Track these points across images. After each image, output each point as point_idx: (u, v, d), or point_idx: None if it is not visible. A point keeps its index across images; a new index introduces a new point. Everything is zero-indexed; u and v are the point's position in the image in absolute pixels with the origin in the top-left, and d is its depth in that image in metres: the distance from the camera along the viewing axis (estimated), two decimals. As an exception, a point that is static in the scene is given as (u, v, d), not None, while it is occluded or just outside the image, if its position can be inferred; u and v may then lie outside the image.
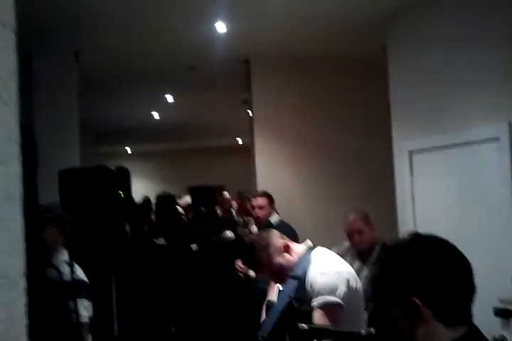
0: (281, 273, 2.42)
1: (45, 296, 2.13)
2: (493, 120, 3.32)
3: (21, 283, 0.67)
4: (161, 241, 4.64)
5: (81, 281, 2.72)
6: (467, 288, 1.17)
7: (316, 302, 2.23)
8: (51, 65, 5.03)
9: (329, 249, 2.52)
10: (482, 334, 1.17)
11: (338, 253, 3.80)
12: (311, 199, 5.67)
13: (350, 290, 2.27)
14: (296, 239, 4.23)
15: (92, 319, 2.72)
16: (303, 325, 1.77)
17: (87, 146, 7.47)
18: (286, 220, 4.32)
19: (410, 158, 4.12)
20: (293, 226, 4.27)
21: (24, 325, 0.67)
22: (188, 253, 3.86)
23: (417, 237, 1.24)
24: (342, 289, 2.24)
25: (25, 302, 0.68)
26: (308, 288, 2.29)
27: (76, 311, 2.54)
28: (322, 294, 2.23)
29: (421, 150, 4.03)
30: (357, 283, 2.35)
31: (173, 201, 5.39)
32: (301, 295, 2.33)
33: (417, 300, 1.12)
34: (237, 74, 6.10)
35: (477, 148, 3.50)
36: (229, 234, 4.06)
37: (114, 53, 5.64)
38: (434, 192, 3.90)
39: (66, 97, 5.13)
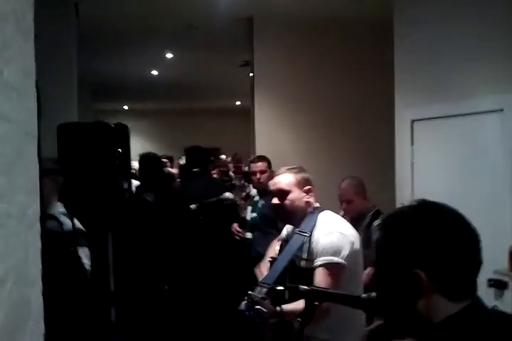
0: (288, 209, 2.47)
1: (51, 246, 2.15)
2: (498, 90, 3.28)
3: (37, 226, 0.65)
4: (150, 197, 4.61)
5: (80, 230, 2.76)
6: (473, 261, 1.12)
7: (319, 261, 2.27)
8: (51, 18, 4.89)
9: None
10: (485, 307, 1.16)
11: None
12: (310, 164, 5.58)
13: (353, 251, 2.32)
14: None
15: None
16: (303, 286, 1.77)
17: (84, 103, 7.37)
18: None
19: (412, 126, 4.08)
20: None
21: (39, 271, 0.66)
22: (185, 213, 3.86)
23: (424, 205, 1.19)
24: (346, 250, 2.28)
25: (40, 247, 0.67)
26: (312, 246, 2.32)
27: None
28: (326, 254, 2.27)
29: (423, 119, 4.00)
30: (360, 245, 2.40)
31: (157, 161, 5.31)
32: (304, 252, 2.36)
33: (420, 273, 1.09)
34: (239, 33, 5.99)
35: (480, 118, 3.46)
36: (228, 195, 4.05)
37: (114, 8, 5.51)
38: (434, 162, 3.88)
39: (65, 52, 5.02)
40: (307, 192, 2.50)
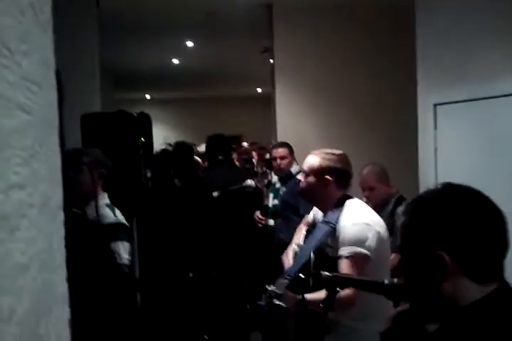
0: (305, 191, 2.50)
1: (87, 238, 2.15)
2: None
3: (60, 216, 0.67)
4: (178, 183, 4.67)
5: (121, 224, 2.71)
6: (500, 243, 1.11)
7: (343, 251, 2.26)
8: (72, 9, 4.92)
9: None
10: None
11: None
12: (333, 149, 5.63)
13: (379, 241, 2.30)
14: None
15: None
16: (326, 272, 1.78)
17: (106, 92, 7.42)
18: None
19: (435, 110, 4.04)
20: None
21: (64, 258, 0.68)
22: (208, 200, 3.89)
23: (449, 188, 1.19)
24: (372, 241, 2.27)
25: (63, 236, 0.68)
26: (338, 235, 2.31)
27: (117, 252, 2.56)
28: (351, 244, 2.25)
29: (446, 103, 3.95)
30: (386, 234, 2.38)
31: (191, 150, 5.38)
32: (331, 242, 2.36)
33: (444, 255, 1.09)
34: (259, 20, 5.95)
35: (504, 101, 3.41)
36: (250, 182, 4.06)
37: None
38: (457, 147, 3.84)
39: (87, 42, 5.05)
40: (325, 180, 2.45)
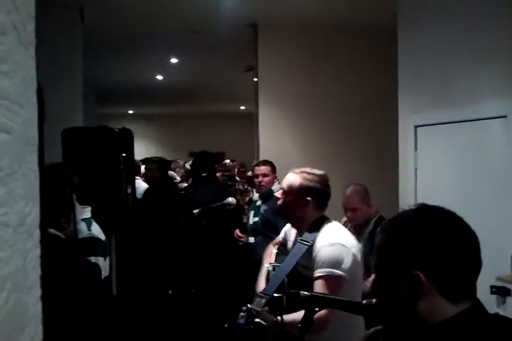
0: (283, 210, 2.50)
1: (62, 252, 2.11)
2: (501, 96, 3.28)
3: (37, 234, 0.66)
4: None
5: (94, 238, 2.66)
6: (473, 263, 1.14)
7: (319, 273, 2.26)
8: (55, 22, 4.93)
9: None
10: (485, 309, 1.16)
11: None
12: (313, 168, 5.65)
13: (354, 263, 2.31)
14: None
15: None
16: (304, 292, 1.78)
17: (88, 107, 7.41)
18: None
19: (415, 132, 4.08)
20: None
21: (39, 276, 0.67)
22: (188, 218, 3.88)
23: (424, 208, 1.21)
24: (347, 263, 2.27)
25: (39, 254, 0.67)
26: (314, 256, 2.31)
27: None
28: (327, 266, 2.26)
29: (426, 125, 4.00)
30: (360, 256, 2.39)
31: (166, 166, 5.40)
32: (307, 262, 2.35)
33: (420, 275, 1.10)
34: (243, 39, 6.01)
35: (484, 124, 3.46)
36: (231, 200, 4.06)
37: (119, 13, 5.54)
38: (437, 168, 3.88)
39: (70, 56, 5.05)
40: (304, 201, 2.45)
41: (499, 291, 3.07)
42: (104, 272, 2.59)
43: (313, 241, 2.36)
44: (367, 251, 3.52)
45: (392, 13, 4.36)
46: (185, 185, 6.65)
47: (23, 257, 0.56)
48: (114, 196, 3.57)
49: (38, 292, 0.64)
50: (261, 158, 5.22)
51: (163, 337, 4.28)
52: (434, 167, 3.91)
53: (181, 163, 9.35)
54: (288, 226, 2.72)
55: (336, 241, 2.33)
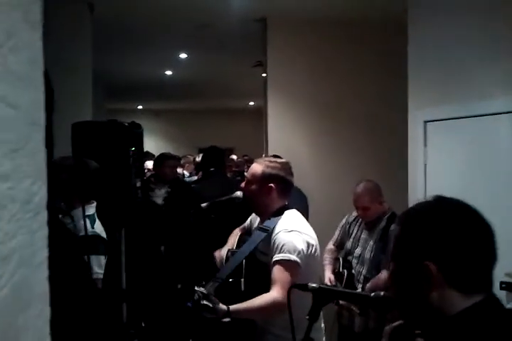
0: (248, 197, 2.56)
1: (63, 248, 2.11)
2: (511, 92, 3.26)
3: (44, 214, 0.66)
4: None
5: (96, 236, 2.64)
6: (487, 255, 1.13)
7: (277, 257, 2.29)
8: (65, 16, 4.93)
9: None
10: (500, 302, 1.15)
11: (347, 221, 3.87)
12: (323, 165, 5.65)
13: (309, 254, 2.35)
14: (305, 203, 4.27)
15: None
16: (312, 284, 1.78)
17: (98, 101, 7.43)
18: (295, 184, 4.32)
19: (425, 128, 4.06)
20: (303, 190, 4.28)
21: (46, 256, 0.67)
22: (196, 212, 3.88)
23: (440, 200, 1.21)
24: (303, 251, 2.31)
25: (46, 235, 0.67)
26: (272, 242, 2.35)
27: (90, 266, 2.48)
28: (283, 251, 2.29)
29: (436, 121, 3.97)
30: (317, 251, 2.43)
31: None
32: (265, 248, 2.40)
33: (431, 265, 1.10)
34: (252, 34, 5.99)
35: (493, 119, 3.44)
36: (239, 194, 4.05)
37: (128, 8, 5.53)
38: (446, 164, 3.86)
39: (80, 50, 5.06)
40: (268, 188, 2.48)
41: (509, 287, 3.06)
42: (99, 270, 2.58)
43: (273, 228, 2.40)
44: (378, 248, 3.50)
45: (403, 7, 4.34)
46: (195, 178, 6.67)
47: (30, 235, 0.56)
48: (124, 190, 3.57)
49: (45, 272, 0.64)
50: (270, 154, 5.21)
51: (170, 331, 4.29)
52: (444, 163, 3.89)
53: (191, 158, 9.37)
54: (254, 214, 2.78)
55: (292, 228, 2.37)
